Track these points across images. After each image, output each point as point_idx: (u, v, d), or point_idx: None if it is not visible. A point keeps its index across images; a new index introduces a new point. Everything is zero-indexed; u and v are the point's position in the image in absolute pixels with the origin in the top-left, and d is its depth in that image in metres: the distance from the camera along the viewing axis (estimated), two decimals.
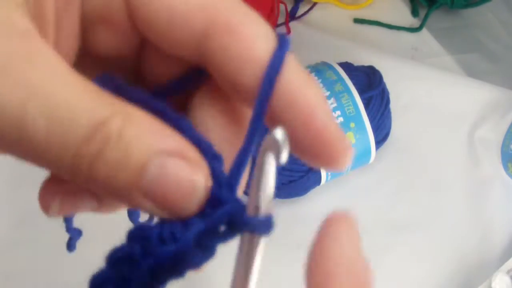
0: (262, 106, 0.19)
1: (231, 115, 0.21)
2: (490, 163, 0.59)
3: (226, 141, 0.21)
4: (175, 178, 0.17)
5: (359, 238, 0.18)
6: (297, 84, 0.19)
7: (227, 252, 0.19)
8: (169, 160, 0.17)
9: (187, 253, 0.18)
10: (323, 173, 0.53)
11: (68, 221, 0.25)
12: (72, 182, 0.18)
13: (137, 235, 0.18)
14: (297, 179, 0.53)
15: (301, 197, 0.56)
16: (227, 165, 0.20)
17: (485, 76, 0.65)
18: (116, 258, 0.18)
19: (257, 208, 0.18)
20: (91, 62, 0.22)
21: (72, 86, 0.17)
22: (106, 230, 0.53)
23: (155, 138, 0.17)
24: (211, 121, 0.21)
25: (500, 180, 0.58)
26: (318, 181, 0.54)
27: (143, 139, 0.17)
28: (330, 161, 0.20)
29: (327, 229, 0.17)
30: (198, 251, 0.18)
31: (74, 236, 0.25)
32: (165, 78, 0.22)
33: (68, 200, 0.21)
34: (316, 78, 0.54)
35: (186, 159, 0.18)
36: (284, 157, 0.18)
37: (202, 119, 0.21)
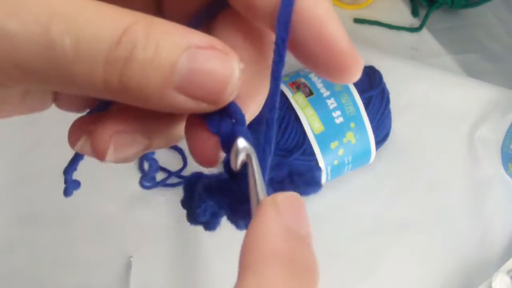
0: (285, 24, 0.19)
1: (251, 35, 0.22)
2: (490, 163, 0.59)
3: (250, 59, 0.21)
4: (208, 66, 0.17)
5: (290, 217, 0.19)
6: (308, 2, 0.20)
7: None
8: (200, 52, 0.17)
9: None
10: (323, 173, 0.53)
11: (67, 173, 0.25)
12: (108, 99, 0.18)
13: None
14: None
15: (301, 197, 0.56)
16: (251, 83, 0.21)
17: (485, 76, 0.65)
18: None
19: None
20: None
21: (91, 5, 0.17)
22: (107, 230, 0.53)
23: (182, 35, 0.17)
24: (234, 42, 0.21)
25: (500, 180, 0.58)
26: None
27: (171, 37, 0.17)
28: (341, 71, 0.20)
29: (257, 212, 0.18)
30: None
31: (72, 186, 0.25)
32: (184, 15, 0.22)
33: (123, 143, 0.21)
34: (316, 78, 0.54)
35: (216, 49, 0.18)
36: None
37: (225, 41, 0.21)
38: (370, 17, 0.71)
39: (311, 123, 0.52)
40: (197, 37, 0.18)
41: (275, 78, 0.20)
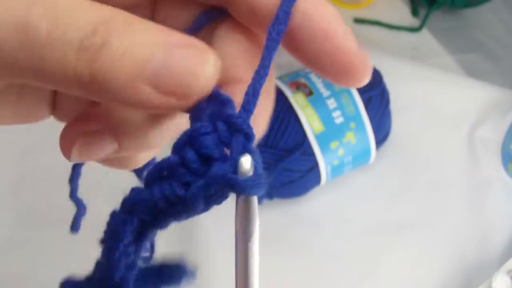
0: (280, 25, 0.19)
1: (251, 44, 0.22)
2: (490, 163, 0.59)
3: (250, 68, 0.21)
4: (182, 62, 0.17)
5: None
6: (313, 3, 0.20)
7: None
8: (176, 49, 0.17)
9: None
10: (323, 173, 0.53)
11: (73, 191, 0.24)
12: (78, 94, 0.18)
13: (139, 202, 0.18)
14: (297, 179, 0.53)
15: (301, 197, 0.56)
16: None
17: (485, 76, 0.65)
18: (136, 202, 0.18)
19: None
20: None
21: None
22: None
23: (161, 32, 0.17)
24: (234, 50, 0.21)
25: (500, 180, 0.58)
26: (318, 181, 0.54)
27: (149, 32, 0.17)
28: (350, 75, 0.20)
29: None
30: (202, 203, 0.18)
31: (78, 211, 0.25)
32: (179, 25, 0.22)
33: (89, 143, 0.21)
34: (316, 78, 0.54)
35: (194, 48, 0.17)
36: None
37: (225, 50, 0.21)
38: (370, 17, 0.71)
39: (311, 123, 0.52)
40: (176, 36, 0.17)
41: (263, 71, 0.19)
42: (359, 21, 0.70)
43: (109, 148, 0.21)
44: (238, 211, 0.18)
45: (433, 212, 0.57)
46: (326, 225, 0.55)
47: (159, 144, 0.22)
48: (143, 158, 0.23)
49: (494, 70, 0.67)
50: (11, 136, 0.58)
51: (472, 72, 0.67)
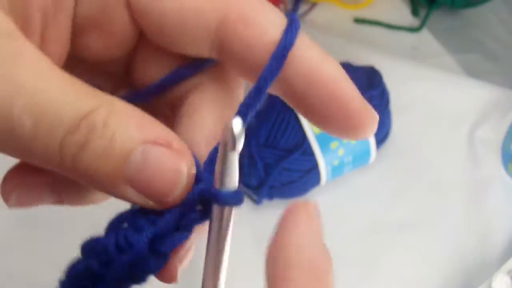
0: (271, 71, 0.19)
1: (230, 100, 0.22)
2: (490, 163, 0.59)
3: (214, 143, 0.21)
4: (159, 165, 0.17)
5: (319, 225, 0.19)
6: (315, 59, 0.20)
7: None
8: (153, 149, 0.17)
9: (143, 259, 0.18)
10: (323, 173, 0.53)
11: None
12: (63, 173, 0.18)
13: (92, 249, 0.19)
14: (296, 179, 0.53)
15: (301, 198, 0.56)
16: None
17: (485, 76, 0.65)
18: (76, 274, 0.19)
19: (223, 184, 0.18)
20: (79, 65, 0.22)
21: (56, 82, 0.17)
22: None
23: (140, 128, 0.18)
24: (211, 105, 0.21)
25: (500, 180, 0.58)
26: (317, 181, 0.54)
27: (128, 128, 0.17)
28: (357, 130, 0.20)
29: (287, 219, 0.18)
30: (152, 257, 0.18)
31: None
32: (155, 77, 0.22)
33: (27, 193, 0.21)
34: None
35: (170, 148, 0.18)
36: (240, 146, 0.18)
37: (200, 105, 0.21)
38: (370, 17, 0.71)
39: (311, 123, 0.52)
40: (154, 130, 0.18)
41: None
42: (359, 21, 0.70)
43: (48, 200, 0.22)
44: (214, 217, 0.19)
45: (433, 212, 0.57)
46: (326, 225, 0.55)
47: (101, 200, 0.23)
48: (100, 197, 0.24)
49: (494, 70, 0.67)
50: None
51: (472, 72, 0.67)
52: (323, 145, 0.52)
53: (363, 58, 0.61)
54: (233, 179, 0.18)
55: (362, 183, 0.58)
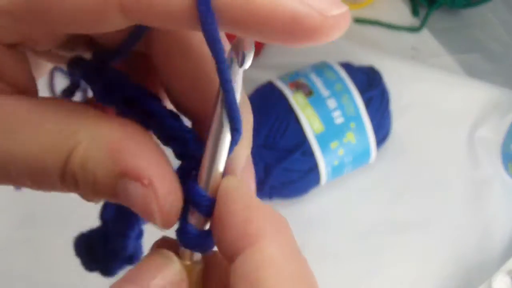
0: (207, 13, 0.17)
1: (182, 45, 0.21)
2: (490, 163, 0.59)
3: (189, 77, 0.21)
4: (138, 201, 0.18)
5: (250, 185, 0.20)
6: None
7: None
8: (130, 185, 0.18)
9: None
10: (323, 173, 0.53)
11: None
12: None
13: None
14: (296, 180, 0.53)
15: (301, 198, 0.56)
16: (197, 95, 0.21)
17: (485, 76, 0.65)
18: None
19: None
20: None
21: (34, 132, 0.18)
22: None
23: (114, 160, 0.18)
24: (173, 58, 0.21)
25: (500, 180, 0.58)
26: (317, 181, 0.54)
27: (104, 165, 0.18)
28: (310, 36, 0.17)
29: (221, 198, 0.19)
30: None
31: None
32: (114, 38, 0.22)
33: None
34: (316, 78, 0.54)
35: (144, 181, 0.18)
36: (248, 63, 0.18)
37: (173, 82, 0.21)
38: (370, 17, 0.71)
39: (311, 123, 0.52)
40: (130, 161, 0.18)
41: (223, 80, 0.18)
42: (359, 21, 0.70)
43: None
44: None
45: (433, 212, 0.57)
46: (326, 225, 0.55)
47: None
48: None
49: (494, 70, 0.67)
50: None
51: (472, 72, 0.67)
52: (323, 145, 0.52)
53: (363, 58, 0.61)
54: (238, 95, 0.18)
55: (362, 183, 0.58)
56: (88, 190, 0.19)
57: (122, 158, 0.18)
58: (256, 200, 0.19)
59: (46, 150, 0.18)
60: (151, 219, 0.19)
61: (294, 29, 0.16)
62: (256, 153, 0.52)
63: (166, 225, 0.19)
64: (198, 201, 0.19)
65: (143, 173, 0.18)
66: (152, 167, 0.18)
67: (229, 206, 0.18)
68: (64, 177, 0.18)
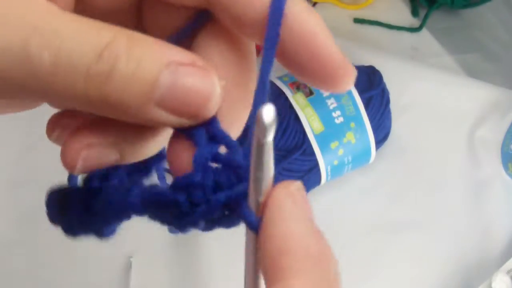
0: (273, 36, 0.19)
1: (236, 50, 0.22)
2: (490, 163, 0.59)
3: (234, 73, 0.21)
4: (189, 83, 0.18)
5: (306, 207, 0.20)
6: (301, 13, 0.20)
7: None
8: (181, 68, 0.18)
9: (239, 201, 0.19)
10: (323, 173, 0.53)
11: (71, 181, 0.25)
12: (86, 112, 0.18)
13: (184, 184, 0.19)
14: (296, 179, 0.53)
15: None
16: (233, 96, 0.21)
17: (485, 76, 0.65)
18: (157, 202, 0.19)
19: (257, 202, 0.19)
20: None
21: (70, 20, 0.17)
22: None
23: (164, 51, 0.18)
24: (217, 55, 0.21)
25: (500, 180, 0.58)
26: (318, 181, 0.54)
27: (152, 52, 0.17)
28: (333, 82, 0.20)
29: (270, 207, 0.18)
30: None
31: None
32: (167, 30, 0.22)
33: (92, 156, 0.21)
34: None
35: (197, 67, 0.18)
36: (272, 135, 0.17)
37: (208, 57, 0.21)
38: (370, 17, 0.71)
39: (311, 123, 0.52)
40: (178, 53, 0.18)
41: (263, 85, 0.20)
42: (359, 21, 0.70)
43: (111, 159, 0.21)
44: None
45: (433, 212, 0.57)
46: (326, 225, 0.55)
47: (153, 152, 0.22)
48: (154, 149, 0.24)
49: (494, 70, 0.67)
50: (10, 135, 0.58)
51: (472, 72, 0.67)
52: (323, 145, 0.52)
53: (363, 58, 0.61)
54: (269, 171, 0.19)
55: (362, 183, 0.58)
56: (127, 78, 0.17)
57: (170, 48, 0.18)
58: (299, 225, 0.19)
59: (82, 29, 0.17)
60: (208, 96, 0.18)
61: (339, 74, 0.20)
62: None
63: (212, 111, 0.19)
64: (248, 220, 0.19)
65: (195, 59, 0.18)
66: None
67: (269, 230, 0.18)
68: (100, 60, 0.17)
